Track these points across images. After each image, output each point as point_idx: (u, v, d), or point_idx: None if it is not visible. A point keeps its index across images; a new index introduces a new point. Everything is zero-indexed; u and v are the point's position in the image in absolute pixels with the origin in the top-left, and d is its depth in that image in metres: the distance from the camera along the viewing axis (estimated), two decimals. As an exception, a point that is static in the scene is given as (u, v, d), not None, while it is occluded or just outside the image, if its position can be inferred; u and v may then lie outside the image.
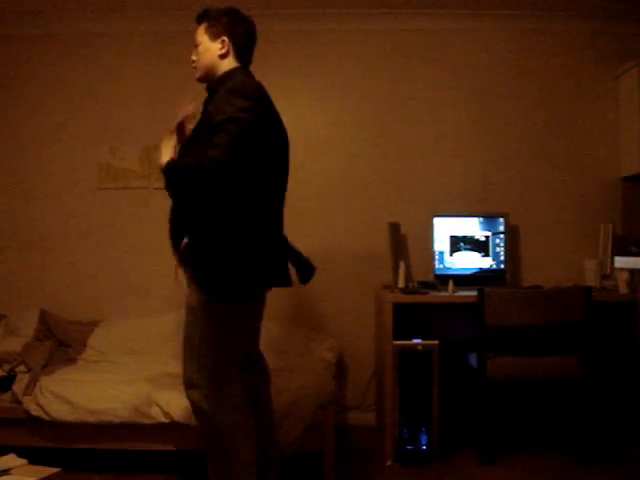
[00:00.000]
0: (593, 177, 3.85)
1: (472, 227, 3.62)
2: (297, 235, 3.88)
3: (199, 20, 2.33)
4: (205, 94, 2.39)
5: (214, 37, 2.26)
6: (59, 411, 2.81)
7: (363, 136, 3.91)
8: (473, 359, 3.15)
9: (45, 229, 3.92)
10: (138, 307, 3.85)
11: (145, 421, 2.79)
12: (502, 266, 3.61)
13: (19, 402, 2.88)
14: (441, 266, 3.62)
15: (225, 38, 2.26)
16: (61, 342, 3.53)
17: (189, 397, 2.15)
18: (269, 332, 3.67)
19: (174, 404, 2.77)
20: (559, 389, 3.39)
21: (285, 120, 3.91)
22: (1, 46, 3.94)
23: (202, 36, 2.29)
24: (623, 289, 3.29)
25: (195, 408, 2.15)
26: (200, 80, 2.35)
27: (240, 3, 3.74)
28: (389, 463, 3.07)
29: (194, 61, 2.33)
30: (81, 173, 3.92)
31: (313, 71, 3.91)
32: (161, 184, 3.96)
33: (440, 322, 3.45)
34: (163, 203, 3.89)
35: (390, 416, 3.11)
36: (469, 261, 3.61)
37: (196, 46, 2.30)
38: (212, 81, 2.27)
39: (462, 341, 3.31)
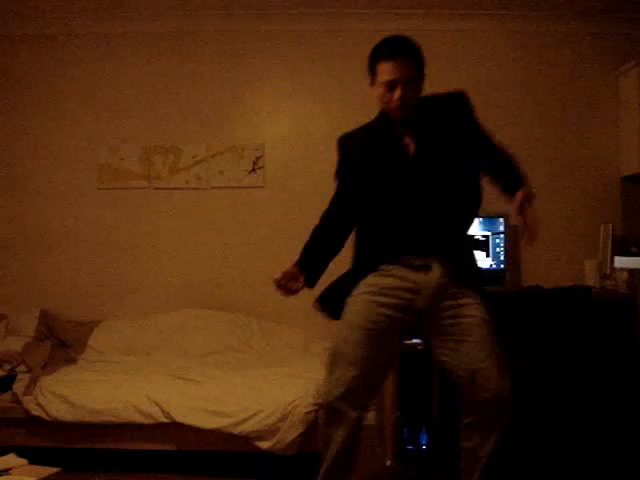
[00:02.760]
0: (593, 177, 3.85)
1: (472, 227, 3.62)
2: (297, 235, 3.90)
3: (410, 56, 2.09)
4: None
5: (421, 77, 2.15)
6: (59, 411, 2.81)
7: (363, 136, 3.90)
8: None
9: (45, 229, 3.91)
10: (138, 307, 3.85)
11: (145, 421, 2.79)
12: (502, 266, 3.61)
13: (19, 402, 2.88)
14: (441, 266, 3.61)
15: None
16: (61, 342, 3.54)
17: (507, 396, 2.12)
18: (269, 332, 3.68)
19: (174, 404, 2.78)
20: (559, 389, 3.39)
21: (285, 120, 3.94)
22: (1, 46, 3.94)
23: (414, 73, 2.09)
24: (623, 289, 3.29)
25: (507, 402, 2.13)
26: (400, 116, 2.11)
27: (241, 3, 3.77)
28: (389, 463, 3.07)
29: (403, 99, 2.05)
30: (81, 173, 3.92)
31: (313, 71, 3.91)
32: (160, 184, 3.99)
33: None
34: (163, 203, 3.92)
35: (390, 416, 3.10)
36: (469, 261, 3.60)
37: (408, 81, 2.06)
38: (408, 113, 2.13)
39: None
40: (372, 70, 2.13)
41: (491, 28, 3.86)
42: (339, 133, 3.87)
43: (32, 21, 3.87)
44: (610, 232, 3.62)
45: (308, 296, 3.87)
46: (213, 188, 3.90)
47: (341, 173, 2.32)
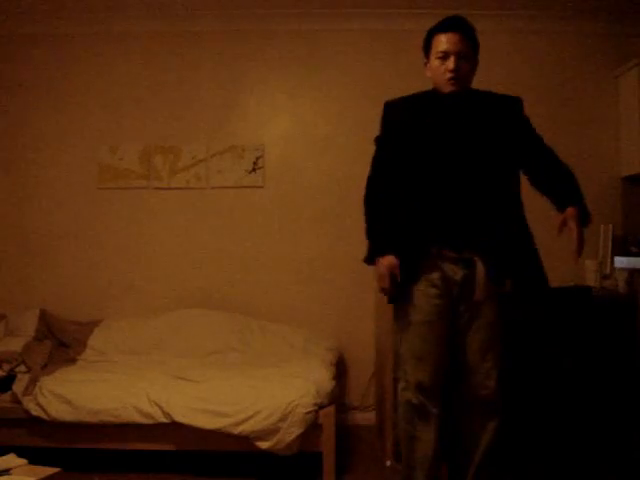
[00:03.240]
0: (593, 177, 3.84)
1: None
2: (297, 234, 3.90)
3: (465, 30, 2.16)
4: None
5: (475, 60, 2.21)
6: (59, 411, 2.81)
7: (363, 135, 3.89)
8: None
9: (45, 229, 3.92)
10: (138, 307, 3.85)
11: (145, 421, 2.79)
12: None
13: (19, 402, 2.88)
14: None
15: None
16: (61, 342, 3.54)
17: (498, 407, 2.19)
18: (269, 332, 3.68)
19: (174, 404, 2.77)
20: (559, 389, 3.39)
21: (286, 120, 3.94)
22: (1, 46, 3.94)
23: (470, 51, 2.17)
24: (623, 289, 3.29)
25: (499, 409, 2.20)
26: (454, 89, 2.12)
27: (241, 3, 3.77)
28: (389, 463, 3.07)
29: (456, 71, 2.10)
30: (81, 173, 3.92)
31: (313, 71, 3.91)
32: (160, 184, 3.99)
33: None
34: (163, 203, 3.92)
35: (390, 416, 3.10)
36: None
37: (462, 56, 2.13)
38: (464, 89, 2.17)
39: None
40: (427, 45, 2.18)
41: (491, 28, 3.85)
42: (339, 133, 3.91)
43: (32, 21, 3.87)
44: (610, 232, 3.62)
45: (308, 296, 3.90)
46: (213, 188, 3.90)
47: (385, 138, 2.29)
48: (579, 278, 3.64)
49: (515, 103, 2.28)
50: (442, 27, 2.15)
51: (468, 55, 2.14)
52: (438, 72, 2.13)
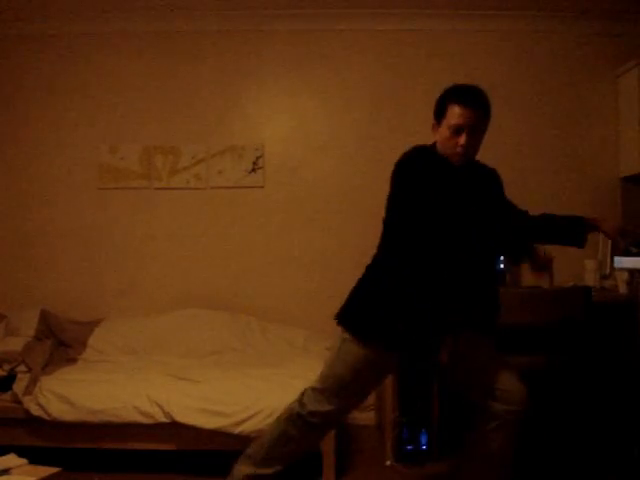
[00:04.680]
0: (593, 177, 3.85)
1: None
2: (297, 234, 3.90)
3: (484, 108, 2.11)
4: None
5: (487, 125, 2.15)
6: (59, 411, 2.81)
7: (363, 135, 3.91)
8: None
9: (45, 229, 3.92)
10: (138, 307, 3.85)
11: (145, 421, 2.79)
12: (502, 266, 3.61)
13: (19, 402, 2.88)
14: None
15: None
16: (61, 342, 3.54)
17: None
18: (269, 332, 3.68)
19: (174, 404, 2.77)
20: (559, 389, 3.39)
21: (286, 120, 3.94)
22: (1, 46, 3.94)
23: (482, 126, 2.11)
24: (623, 289, 3.29)
25: None
26: (461, 162, 2.11)
27: (241, 3, 3.77)
28: (389, 463, 3.07)
29: (467, 147, 2.07)
30: (81, 173, 3.92)
31: (313, 71, 3.91)
32: (160, 184, 3.99)
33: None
34: (163, 203, 3.92)
35: (390, 416, 3.11)
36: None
37: (475, 130, 2.08)
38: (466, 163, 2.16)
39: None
40: (440, 111, 2.12)
41: (491, 28, 3.86)
42: (339, 133, 3.90)
43: (32, 21, 3.87)
44: (610, 232, 3.61)
45: (308, 296, 3.89)
46: (213, 188, 3.90)
47: (417, 191, 2.09)
48: (579, 278, 3.64)
49: (496, 173, 2.32)
50: (459, 98, 2.07)
51: (480, 129, 2.10)
52: (448, 144, 2.08)
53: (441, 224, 2.04)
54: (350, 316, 2.35)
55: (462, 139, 2.04)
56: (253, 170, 3.89)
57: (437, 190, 2.05)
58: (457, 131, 2.05)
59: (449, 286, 2.05)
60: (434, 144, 2.16)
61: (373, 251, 4.02)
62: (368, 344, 2.18)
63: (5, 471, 2.28)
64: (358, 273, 3.81)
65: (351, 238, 3.87)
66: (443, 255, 2.04)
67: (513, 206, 2.32)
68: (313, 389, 2.26)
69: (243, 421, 2.72)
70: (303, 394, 2.29)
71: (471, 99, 2.07)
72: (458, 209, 2.07)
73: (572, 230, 2.21)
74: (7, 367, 3.09)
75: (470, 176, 2.17)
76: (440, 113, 2.12)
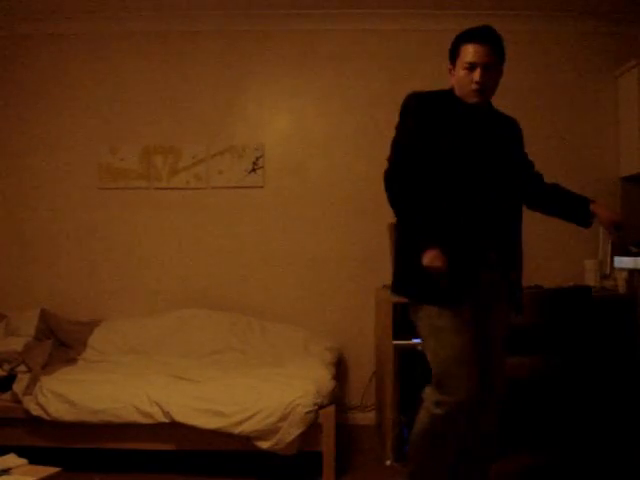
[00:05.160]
0: (593, 177, 3.85)
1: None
2: (297, 234, 3.90)
3: (493, 41, 2.13)
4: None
5: (500, 74, 2.19)
6: (59, 411, 2.81)
7: (363, 136, 3.91)
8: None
9: (45, 229, 3.92)
10: (138, 307, 3.85)
11: (145, 421, 2.79)
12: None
13: (19, 402, 2.88)
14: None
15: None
16: (61, 342, 3.54)
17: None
18: (269, 332, 3.68)
19: (174, 404, 2.77)
20: (559, 389, 3.39)
21: (286, 120, 3.94)
22: (1, 46, 3.94)
23: (497, 63, 2.15)
24: (623, 289, 3.29)
25: None
26: (478, 100, 2.13)
27: (241, 3, 3.77)
28: (389, 463, 3.07)
29: (482, 83, 2.09)
30: (81, 173, 3.92)
31: (313, 71, 3.91)
32: (160, 184, 3.99)
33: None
34: (163, 203, 3.92)
35: (390, 416, 3.11)
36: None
37: (489, 67, 2.11)
38: (491, 107, 2.23)
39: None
40: (454, 53, 2.18)
41: (491, 28, 3.86)
42: (339, 133, 3.90)
43: (32, 21, 3.87)
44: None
45: (308, 296, 3.89)
46: (213, 188, 3.90)
47: (418, 129, 2.13)
48: (579, 278, 3.64)
49: (518, 126, 2.35)
50: (471, 37, 2.12)
51: (495, 67, 2.13)
52: (464, 82, 2.12)
53: (451, 163, 2.08)
54: (408, 286, 2.21)
55: (476, 75, 2.08)
56: (253, 170, 3.89)
57: (446, 129, 2.10)
58: (471, 68, 2.10)
59: (469, 227, 2.07)
60: (451, 88, 2.20)
61: (373, 250, 4.04)
62: (435, 301, 2.11)
63: (5, 471, 2.28)
64: (358, 272, 3.84)
65: (351, 238, 3.87)
66: (457, 195, 2.08)
67: (531, 163, 2.36)
68: (431, 387, 2.15)
69: (243, 421, 2.72)
70: (425, 402, 2.17)
71: (483, 36, 2.11)
72: (471, 148, 2.11)
73: (580, 209, 2.26)
74: (7, 367, 3.09)
75: (489, 118, 2.19)
76: (454, 55, 2.18)
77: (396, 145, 2.16)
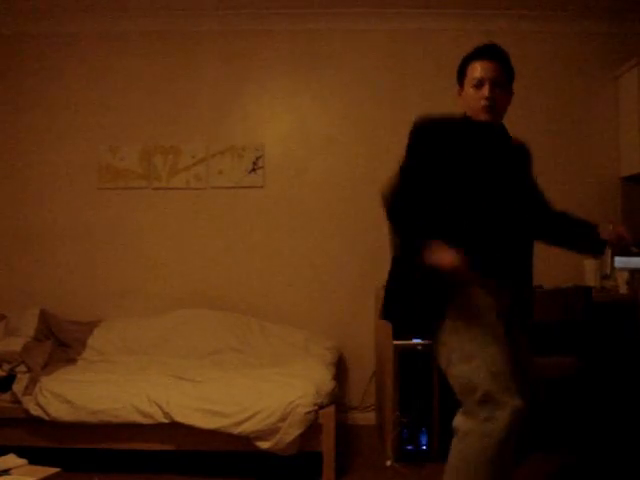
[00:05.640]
0: (593, 177, 3.85)
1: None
2: (297, 234, 3.90)
3: (500, 58, 2.12)
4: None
5: (509, 90, 2.18)
6: (59, 411, 2.81)
7: (364, 135, 3.91)
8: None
9: (45, 229, 3.92)
10: (138, 307, 3.85)
11: (145, 421, 2.79)
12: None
13: (19, 402, 2.87)
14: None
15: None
16: (61, 342, 3.54)
17: None
18: (269, 332, 3.68)
19: (174, 404, 2.77)
20: (559, 389, 3.39)
21: (286, 120, 3.94)
22: (1, 46, 3.94)
23: (504, 78, 2.13)
24: (623, 289, 3.29)
25: None
26: (488, 118, 2.08)
27: (241, 3, 3.77)
28: (389, 463, 3.07)
29: (491, 99, 2.05)
30: (81, 173, 3.92)
31: (313, 71, 3.91)
32: (160, 184, 3.99)
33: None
34: (163, 203, 3.92)
35: (390, 416, 3.11)
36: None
37: (498, 84, 2.09)
38: (497, 123, 2.15)
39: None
40: (462, 73, 2.13)
41: (491, 28, 3.85)
42: (339, 133, 3.90)
43: (32, 21, 3.87)
44: (610, 232, 3.61)
45: (308, 296, 3.89)
46: (213, 188, 3.90)
47: (427, 158, 2.05)
48: (579, 278, 3.64)
49: (529, 151, 2.30)
50: (477, 54, 2.10)
51: (503, 84, 2.11)
52: (473, 100, 2.07)
53: (468, 190, 2.00)
54: (426, 316, 2.02)
55: (485, 90, 2.05)
56: (253, 170, 3.89)
57: (462, 156, 2.02)
58: (479, 84, 2.06)
59: (490, 249, 1.98)
60: (464, 114, 2.12)
61: (374, 249, 4.03)
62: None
63: (5, 471, 2.28)
64: (358, 272, 3.84)
65: (351, 237, 3.87)
66: (476, 221, 1.99)
67: (541, 191, 2.30)
68: (469, 410, 1.93)
69: (243, 421, 2.72)
70: (463, 431, 1.97)
71: (489, 53, 2.09)
72: (489, 173, 2.04)
73: (591, 237, 2.17)
74: (7, 367, 3.09)
75: (503, 142, 2.15)
76: (461, 76, 2.13)
77: (405, 169, 2.08)
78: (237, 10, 3.83)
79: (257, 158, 3.89)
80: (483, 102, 2.04)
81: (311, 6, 3.78)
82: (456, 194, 2.01)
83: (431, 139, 2.08)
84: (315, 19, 3.87)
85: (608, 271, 3.55)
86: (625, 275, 3.29)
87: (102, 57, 3.93)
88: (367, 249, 3.84)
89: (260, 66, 3.93)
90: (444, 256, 1.85)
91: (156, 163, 3.90)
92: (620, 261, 3.33)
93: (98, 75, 3.94)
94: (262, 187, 3.90)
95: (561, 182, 3.85)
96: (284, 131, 3.93)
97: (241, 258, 3.90)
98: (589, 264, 3.59)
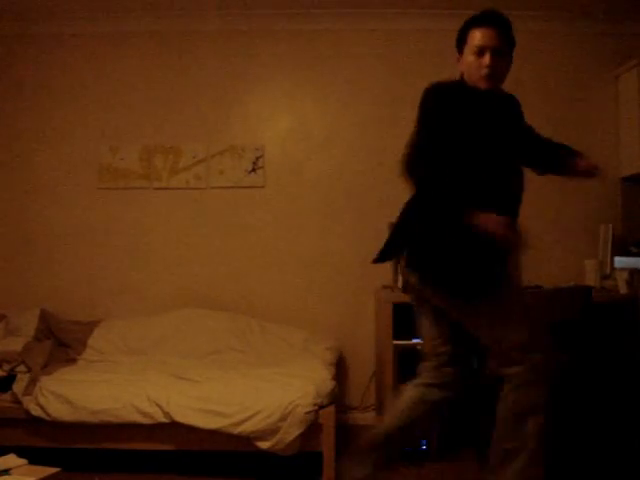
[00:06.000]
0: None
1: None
2: (297, 234, 3.90)
3: (501, 25, 2.14)
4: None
5: (510, 58, 2.20)
6: (59, 411, 2.81)
7: (364, 136, 3.91)
8: (473, 360, 3.14)
9: (45, 229, 3.92)
10: (138, 307, 3.85)
11: (145, 421, 2.79)
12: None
13: (19, 402, 2.88)
14: (441, 266, 3.61)
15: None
16: (61, 342, 3.54)
17: None
18: (269, 332, 3.68)
19: (174, 404, 2.77)
20: (559, 389, 3.39)
21: (285, 120, 3.94)
22: (1, 46, 3.94)
23: (506, 47, 2.14)
24: (623, 289, 3.29)
25: None
26: (488, 85, 2.11)
27: (241, 3, 3.77)
28: (389, 463, 3.07)
29: (492, 67, 2.07)
30: (81, 173, 3.92)
31: (313, 71, 3.91)
32: (160, 184, 3.98)
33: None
34: (163, 203, 3.92)
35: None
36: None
37: (499, 52, 2.11)
38: (497, 88, 2.19)
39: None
40: (462, 39, 2.13)
41: (491, 28, 3.86)
42: (339, 133, 3.90)
43: (32, 21, 3.87)
44: (610, 232, 3.62)
45: (308, 296, 3.89)
46: (213, 188, 3.90)
47: (445, 118, 2.05)
48: (579, 278, 3.64)
49: (518, 102, 2.37)
50: (478, 21, 2.09)
51: (504, 51, 2.11)
52: (473, 67, 2.07)
53: (476, 150, 2.03)
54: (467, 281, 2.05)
55: (486, 59, 2.05)
56: (253, 170, 3.89)
57: (468, 117, 2.05)
58: (480, 52, 2.06)
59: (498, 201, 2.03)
60: (460, 77, 2.14)
61: (373, 250, 4.01)
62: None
63: (5, 471, 2.28)
64: (358, 272, 3.84)
65: (352, 237, 3.87)
66: (486, 178, 2.04)
67: (533, 130, 2.39)
68: (517, 359, 2.07)
69: (243, 421, 2.72)
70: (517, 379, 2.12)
71: (491, 19, 2.09)
72: (491, 131, 2.08)
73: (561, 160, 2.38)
74: (7, 367, 3.09)
75: (497, 101, 2.18)
76: (461, 42, 2.13)
77: (424, 129, 2.08)
78: (237, 10, 3.83)
79: (257, 158, 3.89)
80: (484, 71, 2.06)
81: (311, 6, 3.78)
82: (470, 153, 2.04)
83: (445, 101, 2.08)
84: (315, 19, 3.87)
85: (608, 271, 3.56)
86: (625, 275, 3.29)
87: (102, 57, 3.93)
88: (367, 249, 3.83)
89: (260, 66, 3.93)
90: (496, 223, 1.90)
91: (156, 163, 3.90)
92: (620, 261, 3.33)
93: (98, 75, 3.94)
94: (262, 187, 3.90)
95: (561, 182, 3.84)
96: (284, 131, 3.93)
97: (241, 258, 3.90)
98: (589, 264, 3.59)
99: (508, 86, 4.08)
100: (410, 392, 2.25)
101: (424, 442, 3.09)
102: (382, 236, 3.59)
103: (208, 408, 2.76)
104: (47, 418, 2.81)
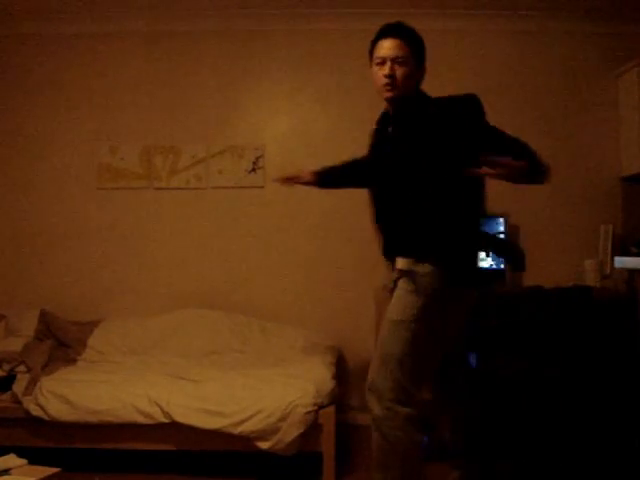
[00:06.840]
0: (593, 177, 3.85)
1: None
2: (297, 234, 3.90)
3: (403, 35, 2.18)
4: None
5: (420, 63, 2.21)
6: (59, 411, 2.81)
7: (363, 135, 3.89)
8: (473, 359, 3.14)
9: (45, 229, 3.92)
10: (138, 307, 3.85)
11: (145, 421, 2.79)
12: (502, 266, 3.61)
13: (19, 402, 2.88)
14: (441, 266, 3.61)
15: (424, 66, 2.23)
16: (61, 342, 3.54)
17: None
18: (269, 332, 3.68)
19: (174, 404, 2.77)
20: (559, 389, 3.39)
21: (285, 120, 3.94)
22: (1, 46, 3.94)
23: (408, 56, 2.16)
24: (623, 289, 3.29)
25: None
26: (390, 98, 2.20)
27: (241, 3, 3.77)
28: (389, 463, 3.06)
29: (390, 77, 2.14)
30: (81, 173, 3.92)
31: (313, 71, 3.91)
32: (160, 184, 3.98)
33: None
34: (163, 203, 3.92)
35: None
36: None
37: (399, 61, 2.15)
38: (402, 101, 2.21)
39: (462, 341, 3.30)
40: (370, 53, 2.22)
41: (491, 28, 3.86)
42: (339, 133, 3.91)
43: (32, 21, 3.87)
44: (610, 232, 3.62)
45: (308, 296, 3.89)
46: (213, 188, 3.90)
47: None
48: (579, 278, 3.64)
49: (466, 103, 2.19)
50: (381, 33, 2.18)
51: (406, 60, 2.14)
52: (376, 78, 2.18)
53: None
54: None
55: (385, 69, 2.13)
56: (253, 170, 3.89)
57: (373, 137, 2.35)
58: (382, 63, 2.15)
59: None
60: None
61: (373, 250, 4.01)
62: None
63: (5, 471, 2.28)
64: (358, 272, 3.84)
65: (352, 237, 3.87)
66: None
67: (493, 139, 2.25)
68: None
69: (243, 421, 2.72)
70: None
71: (392, 31, 2.17)
72: (377, 147, 2.31)
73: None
74: (7, 367, 3.09)
75: (402, 109, 2.21)
76: (370, 55, 2.23)
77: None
78: (237, 10, 3.83)
79: (257, 158, 3.89)
80: (384, 80, 2.15)
81: (311, 6, 3.78)
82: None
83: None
84: (315, 19, 3.87)
85: (608, 271, 3.56)
86: (625, 275, 3.29)
87: (102, 57, 3.93)
88: (367, 249, 3.83)
89: (260, 66, 3.93)
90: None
91: (156, 163, 3.90)
92: (620, 261, 3.33)
93: (98, 75, 3.94)
94: (262, 187, 3.90)
95: (561, 182, 3.85)
96: (284, 131, 3.93)
97: (241, 258, 3.90)
98: (589, 264, 3.59)
99: (508, 86, 4.11)
100: None
101: (424, 442, 3.08)
102: (382, 236, 3.61)
103: (208, 408, 2.76)
104: (47, 418, 2.81)
